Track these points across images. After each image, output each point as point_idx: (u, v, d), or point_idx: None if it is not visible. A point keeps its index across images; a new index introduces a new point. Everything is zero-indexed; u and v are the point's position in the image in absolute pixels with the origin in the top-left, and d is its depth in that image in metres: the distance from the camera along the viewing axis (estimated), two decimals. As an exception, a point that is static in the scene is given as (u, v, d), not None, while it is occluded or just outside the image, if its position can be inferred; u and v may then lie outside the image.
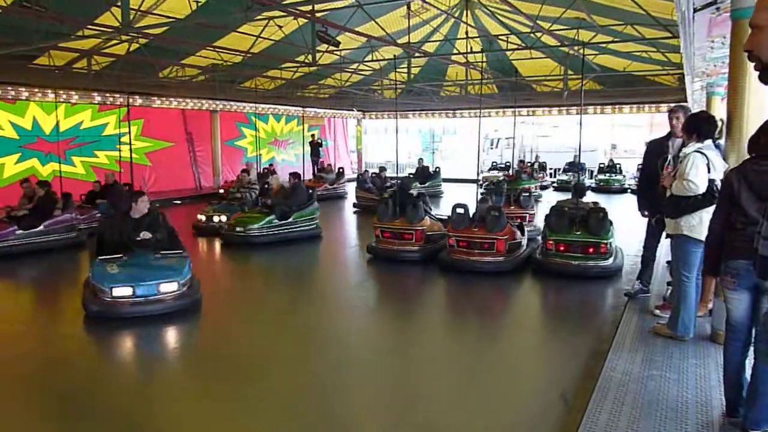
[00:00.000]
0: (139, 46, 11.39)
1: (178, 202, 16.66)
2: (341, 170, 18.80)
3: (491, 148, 27.09)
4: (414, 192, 10.61)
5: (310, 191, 11.34)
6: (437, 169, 19.40)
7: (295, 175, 11.57)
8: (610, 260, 7.71)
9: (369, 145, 29.03)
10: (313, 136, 22.96)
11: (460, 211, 8.31)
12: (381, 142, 33.92)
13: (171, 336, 5.88)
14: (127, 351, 5.65)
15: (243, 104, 19.29)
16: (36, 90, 13.74)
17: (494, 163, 23.98)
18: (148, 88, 15.40)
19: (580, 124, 9.58)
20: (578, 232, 7.75)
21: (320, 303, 7.12)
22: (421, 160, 18.94)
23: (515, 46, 12.23)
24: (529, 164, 21.14)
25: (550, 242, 7.85)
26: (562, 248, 7.76)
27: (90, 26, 9.00)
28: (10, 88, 13.26)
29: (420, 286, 8.04)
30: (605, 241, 7.62)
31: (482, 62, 15.31)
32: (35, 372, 4.84)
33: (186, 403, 4.37)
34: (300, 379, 4.69)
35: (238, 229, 10.16)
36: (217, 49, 11.80)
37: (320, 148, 22.80)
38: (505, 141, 26.86)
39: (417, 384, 4.65)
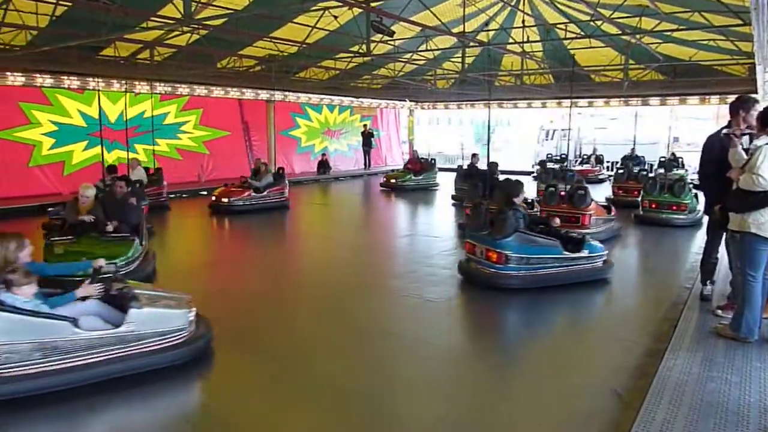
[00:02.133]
0: (199, 37, 11.69)
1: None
2: (281, 171, 13.79)
3: (546, 140, 26.52)
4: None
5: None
6: (433, 161, 18.57)
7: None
8: (688, 215, 10.88)
9: (420, 136, 28.88)
10: (365, 126, 23.08)
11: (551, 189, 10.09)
12: (433, 133, 33.75)
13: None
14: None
15: (297, 94, 19.55)
16: (102, 80, 14.31)
17: (549, 155, 23.48)
18: (207, 78, 15.80)
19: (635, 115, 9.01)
20: (666, 195, 11.05)
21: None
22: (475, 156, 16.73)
23: (574, 35, 11.92)
24: (585, 156, 20.62)
25: (645, 202, 11.24)
26: (654, 206, 11.11)
27: (153, 18, 9.31)
28: (78, 78, 13.85)
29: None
30: (685, 202, 10.87)
31: (539, 52, 15.00)
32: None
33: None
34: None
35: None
36: (273, 40, 12.00)
37: (372, 139, 22.90)
38: (560, 132, 26.24)
39: (462, 376, 4.63)
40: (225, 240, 11.30)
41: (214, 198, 12.66)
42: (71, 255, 6.15)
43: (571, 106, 13.99)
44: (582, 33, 11.71)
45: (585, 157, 21.50)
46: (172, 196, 13.97)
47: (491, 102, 23.28)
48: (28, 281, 3.93)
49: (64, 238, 6.66)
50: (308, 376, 4.50)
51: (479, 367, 4.81)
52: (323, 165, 21.07)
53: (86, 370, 3.99)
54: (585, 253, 6.84)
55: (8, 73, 12.44)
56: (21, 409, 3.77)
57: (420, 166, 17.86)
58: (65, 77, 13.55)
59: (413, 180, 17.29)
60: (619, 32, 10.60)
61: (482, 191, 9.79)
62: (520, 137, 34.46)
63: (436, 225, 12.07)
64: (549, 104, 22.32)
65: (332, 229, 12.38)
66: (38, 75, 13.04)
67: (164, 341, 4.33)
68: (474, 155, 14.84)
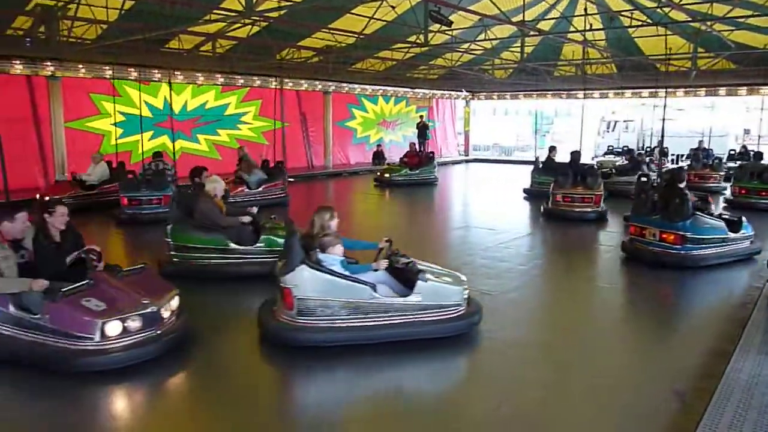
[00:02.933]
0: (259, 29, 11.92)
1: (292, 179, 17.37)
2: (280, 165, 12.82)
3: (607, 132, 25.71)
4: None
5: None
6: (431, 154, 17.28)
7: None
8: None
9: (477, 127, 28.51)
10: (421, 117, 22.99)
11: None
12: (490, 124, 33.26)
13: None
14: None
15: (354, 85, 19.66)
16: (167, 71, 14.80)
17: (610, 147, 22.76)
18: (266, 69, 16.09)
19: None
20: (755, 182, 11.77)
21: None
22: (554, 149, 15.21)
23: (639, 23, 11.47)
24: (649, 149, 19.85)
25: (736, 188, 12.19)
26: (743, 192, 11.95)
27: (216, 10, 9.55)
28: (144, 69, 14.37)
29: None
30: None
31: (601, 40, 14.53)
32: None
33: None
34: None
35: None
36: (331, 31, 12.09)
37: (427, 130, 22.79)
38: (623, 124, 25.39)
39: (519, 371, 4.57)
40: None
41: None
42: None
43: (638, 96, 13.51)
44: (648, 20, 11.26)
45: (648, 149, 20.71)
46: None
47: (550, 92, 22.76)
48: (338, 242, 4.81)
49: None
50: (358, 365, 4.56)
51: (538, 361, 4.74)
52: (378, 156, 21.14)
53: (378, 330, 4.66)
54: (744, 233, 7.51)
55: (80, 66, 13.03)
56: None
57: (418, 159, 16.66)
58: (132, 69, 14.09)
59: (407, 175, 16.05)
60: (689, 19, 10.14)
61: (572, 180, 10.90)
62: (580, 129, 33.56)
63: (491, 217, 11.92)
64: (611, 95, 21.62)
65: (388, 218, 12.42)
66: (107, 67, 13.60)
67: (444, 313, 4.85)
68: (552, 148, 14.41)
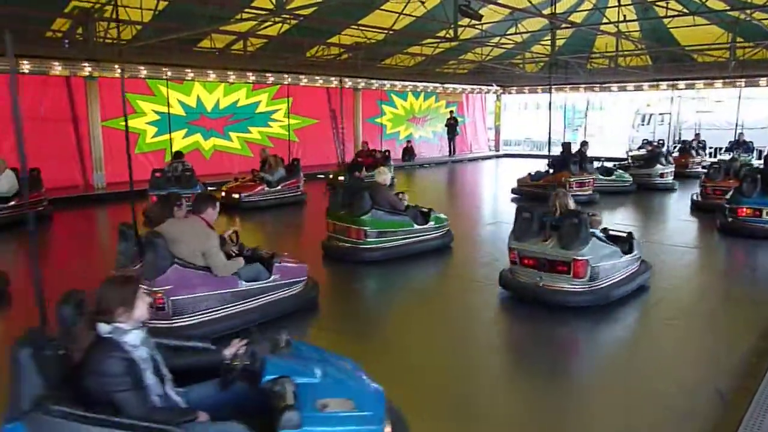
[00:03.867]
0: (289, 27, 12.00)
1: (322, 176, 17.48)
2: (294, 162, 12.64)
3: (642, 125, 25.15)
4: None
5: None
6: (386, 153, 16.02)
7: None
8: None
9: (508, 122, 28.20)
10: (451, 112, 22.87)
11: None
12: (521, 119, 32.87)
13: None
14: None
15: (383, 81, 19.65)
16: (200, 70, 15.03)
17: (645, 141, 22.27)
18: (297, 67, 16.20)
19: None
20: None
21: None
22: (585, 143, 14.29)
23: (675, 13, 11.19)
24: (685, 142, 19.36)
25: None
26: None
27: (247, 9, 9.66)
28: (177, 69, 14.61)
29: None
30: None
31: (636, 32, 14.23)
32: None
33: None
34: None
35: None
36: (360, 27, 12.11)
37: (457, 126, 22.66)
38: (658, 117, 24.79)
39: (544, 370, 4.53)
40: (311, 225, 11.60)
41: (223, 193, 11.45)
42: None
43: (672, 89, 13.22)
44: (684, 10, 10.98)
45: (685, 143, 20.20)
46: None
47: (582, 85, 22.38)
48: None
49: None
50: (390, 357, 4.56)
51: (571, 359, 4.69)
52: (408, 152, 21.09)
53: None
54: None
55: (116, 66, 13.32)
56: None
57: (372, 159, 14.89)
58: (166, 68, 14.33)
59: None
60: (727, 8, 9.86)
61: None
62: (614, 122, 32.91)
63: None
64: (645, 87, 21.14)
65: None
66: (142, 67, 13.87)
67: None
68: (584, 143, 14.19)
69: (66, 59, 12.57)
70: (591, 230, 5.59)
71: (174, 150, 12.72)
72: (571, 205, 5.95)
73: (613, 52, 14.81)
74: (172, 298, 4.61)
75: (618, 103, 35.10)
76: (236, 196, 11.32)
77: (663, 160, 13.99)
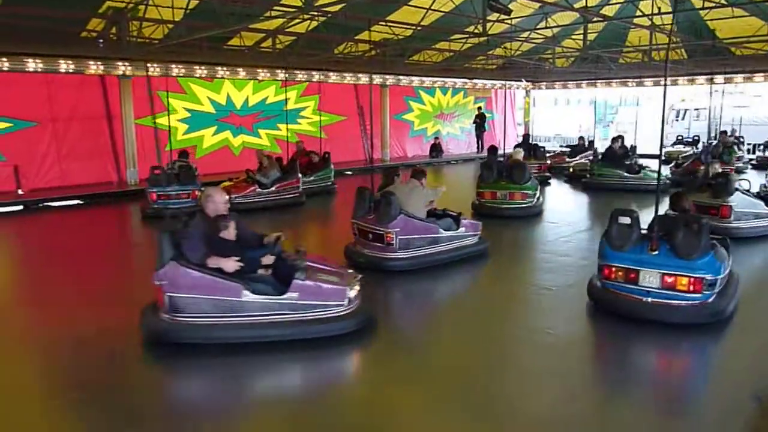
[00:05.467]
0: (317, 24, 12.03)
1: (350, 173, 17.54)
2: (291, 164, 12.38)
3: (677, 120, 24.59)
4: None
5: None
6: (326, 155, 14.26)
7: None
8: None
9: (537, 117, 27.82)
10: (479, 108, 22.68)
11: None
12: (552, 114, 32.36)
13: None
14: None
15: (411, 78, 19.58)
16: (229, 68, 15.19)
17: (679, 137, 21.78)
18: (325, 64, 16.25)
19: None
20: None
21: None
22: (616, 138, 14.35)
23: (713, 4, 10.88)
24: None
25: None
26: None
27: (276, 7, 9.70)
28: (208, 67, 14.80)
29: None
30: None
31: (671, 24, 13.86)
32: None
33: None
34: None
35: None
36: (388, 24, 12.07)
37: (485, 121, 22.45)
38: (694, 112, 24.20)
39: (580, 368, 4.45)
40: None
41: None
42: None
43: (710, 83, 12.89)
44: (722, 2, 10.67)
45: (723, 134, 19.64)
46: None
47: (614, 80, 21.96)
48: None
49: None
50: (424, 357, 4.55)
51: (598, 359, 4.61)
52: (435, 148, 21.02)
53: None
54: None
55: (148, 64, 13.55)
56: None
57: (308, 160, 13.74)
58: (197, 67, 14.53)
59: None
60: (768, -2, 9.54)
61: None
62: (647, 118, 32.19)
63: (552, 211, 11.64)
64: (680, 81, 20.64)
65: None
66: (174, 65, 14.08)
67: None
68: (616, 138, 13.96)
69: (100, 58, 12.85)
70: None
71: (181, 149, 12.89)
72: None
73: (646, 46, 14.47)
74: (399, 237, 6.48)
75: (651, 99, 34.34)
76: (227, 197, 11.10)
77: (703, 157, 13.67)
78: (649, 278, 5.02)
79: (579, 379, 4.24)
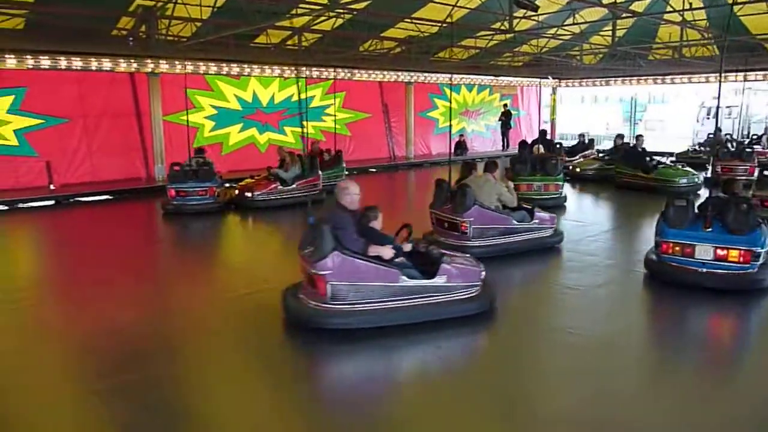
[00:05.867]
0: (343, 22, 12.07)
1: (374, 170, 17.57)
2: (313, 160, 12.11)
3: (707, 118, 24.08)
4: None
5: None
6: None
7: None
8: None
9: (564, 115, 27.52)
10: (505, 105, 22.50)
11: None
12: (578, 112, 32.01)
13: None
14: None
15: (436, 75, 19.51)
16: (255, 66, 15.32)
17: (711, 136, 21.30)
18: (350, 61, 16.28)
19: None
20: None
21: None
22: (620, 136, 15.43)
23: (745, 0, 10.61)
24: (755, 137, 18.44)
25: None
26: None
27: (302, 4, 9.76)
28: (235, 65, 14.94)
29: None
30: None
31: (702, 20, 13.58)
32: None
33: None
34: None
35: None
36: (414, 21, 12.05)
37: (510, 119, 22.27)
38: (726, 110, 23.67)
39: (608, 367, 4.40)
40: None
41: (237, 191, 11.42)
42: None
43: (743, 80, 12.61)
44: (756, -4, 10.40)
45: (755, 137, 19.20)
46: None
47: (643, 78, 21.59)
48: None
49: None
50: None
51: (628, 358, 4.55)
52: (460, 146, 20.92)
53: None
54: None
55: (176, 62, 13.75)
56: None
57: (321, 160, 13.08)
58: (224, 64, 14.68)
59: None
60: (804, -7, 9.28)
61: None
62: (675, 116, 31.61)
63: (578, 210, 11.50)
64: (712, 79, 20.19)
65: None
66: (201, 63, 14.25)
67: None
68: (639, 136, 13.77)
69: (130, 56, 13.06)
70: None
71: (197, 146, 12.89)
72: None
73: (677, 42, 14.20)
74: (473, 227, 6.90)
75: (681, 96, 33.70)
76: (248, 194, 11.07)
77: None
78: (704, 252, 5.86)
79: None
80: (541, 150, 13.18)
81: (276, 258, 8.11)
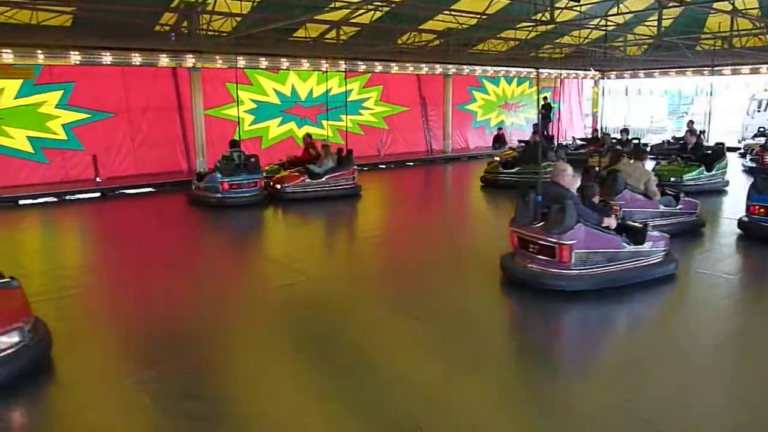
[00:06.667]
0: (381, 15, 12.03)
1: (411, 163, 17.52)
2: (349, 154, 11.96)
3: (758, 111, 23.14)
4: None
5: None
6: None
7: None
8: None
9: (607, 108, 26.79)
10: (544, 98, 22.09)
11: None
12: (621, 104, 31.17)
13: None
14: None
15: (475, 67, 19.29)
16: (294, 59, 15.41)
17: (761, 129, 20.52)
18: (388, 54, 16.23)
19: None
20: None
21: None
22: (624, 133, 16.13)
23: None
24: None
25: None
26: None
27: (340, -1, 9.76)
28: (274, 59, 15.05)
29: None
30: None
31: (754, 9, 13.05)
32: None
33: None
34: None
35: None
36: (453, 13, 11.93)
37: (551, 112, 21.84)
38: (776, 102, 22.73)
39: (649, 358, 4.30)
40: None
41: (271, 183, 11.51)
42: None
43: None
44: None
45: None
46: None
47: (690, 69, 20.88)
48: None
49: None
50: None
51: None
52: (498, 139, 20.60)
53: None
54: None
55: (217, 57, 13.94)
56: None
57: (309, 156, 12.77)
58: (263, 58, 14.81)
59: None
60: None
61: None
62: (723, 108, 30.47)
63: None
64: (764, 70, 19.38)
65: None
66: (241, 57, 14.41)
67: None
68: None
69: (172, 51, 13.31)
70: None
71: (233, 139, 12.73)
72: None
73: (727, 32, 13.68)
74: (623, 209, 7.28)
75: (729, 88, 32.46)
76: (278, 186, 11.26)
77: None
78: None
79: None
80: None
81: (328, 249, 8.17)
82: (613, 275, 5.74)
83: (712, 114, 14.91)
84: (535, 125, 13.62)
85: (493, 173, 12.73)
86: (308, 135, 13.80)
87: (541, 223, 5.74)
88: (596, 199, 6.09)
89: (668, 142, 17.90)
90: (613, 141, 15.50)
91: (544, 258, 5.67)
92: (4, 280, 4.42)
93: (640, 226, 6.12)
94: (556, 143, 15.07)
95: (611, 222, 5.79)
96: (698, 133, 13.04)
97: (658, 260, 6.09)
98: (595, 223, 5.69)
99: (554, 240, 5.51)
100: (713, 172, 11.63)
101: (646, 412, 3.54)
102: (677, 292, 6.02)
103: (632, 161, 8.20)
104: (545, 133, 21.83)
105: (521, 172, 12.16)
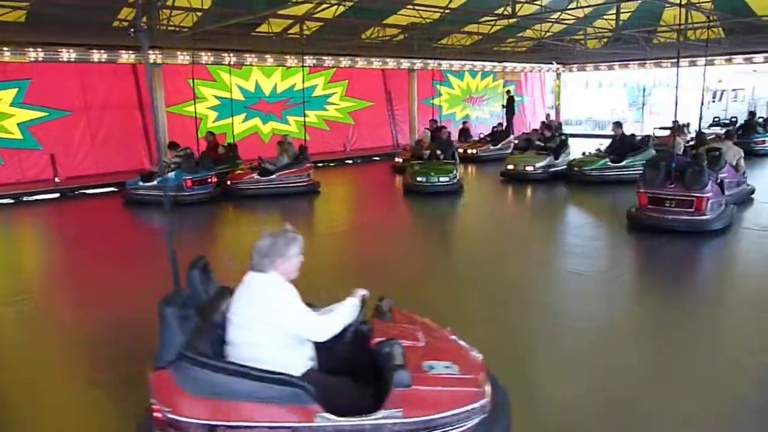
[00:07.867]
0: (345, 9, 11.97)
1: (377, 158, 17.54)
2: (302, 149, 11.88)
3: (713, 102, 23.87)
4: None
5: None
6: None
7: None
8: None
9: (569, 101, 27.30)
10: (508, 92, 22.36)
11: None
12: (583, 97, 31.78)
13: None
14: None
15: (439, 62, 19.39)
16: (258, 55, 15.24)
17: (716, 119, 21.16)
18: (352, 50, 16.18)
19: None
20: None
21: None
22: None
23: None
24: (762, 119, 18.26)
25: None
26: None
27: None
28: (236, 54, 14.86)
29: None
30: None
31: (707, 2, 13.42)
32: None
33: None
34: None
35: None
36: (416, 7, 11.95)
37: (514, 104, 22.11)
38: (732, 93, 23.47)
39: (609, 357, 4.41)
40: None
41: (228, 182, 11.53)
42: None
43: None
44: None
45: (762, 120, 19.02)
46: (320, 165, 14.60)
47: (648, 61, 21.39)
48: None
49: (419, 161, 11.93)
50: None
51: (635, 345, 4.55)
52: (464, 133, 20.80)
53: None
54: None
55: (178, 53, 13.69)
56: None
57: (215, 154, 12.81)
58: (225, 54, 14.60)
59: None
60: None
61: None
62: (681, 100, 31.30)
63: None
64: (717, 62, 19.98)
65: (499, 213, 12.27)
66: (203, 53, 14.19)
67: None
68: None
69: (131, 47, 13.01)
70: None
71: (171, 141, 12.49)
72: None
73: (681, 25, 14.04)
74: (727, 180, 8.65)
75: (687, 80, 33.39)
76: (228, 182, 11.44)
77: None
78: None
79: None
80: None
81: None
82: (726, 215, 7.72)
83: (676, 105, 15.27)
84: (617, 123, 13.37)
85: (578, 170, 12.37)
86: (210, 133, 13.48)
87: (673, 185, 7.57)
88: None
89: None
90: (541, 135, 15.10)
91: (682, 209, 7.44)
92: None
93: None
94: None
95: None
96: (554, 126, 15.44)
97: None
98: (714, 179, 7.55)
99: (692, 194, 7.32)
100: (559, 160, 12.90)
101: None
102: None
103: (727, 142, 10.28)
104: (509, 126, 22.15)
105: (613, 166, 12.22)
